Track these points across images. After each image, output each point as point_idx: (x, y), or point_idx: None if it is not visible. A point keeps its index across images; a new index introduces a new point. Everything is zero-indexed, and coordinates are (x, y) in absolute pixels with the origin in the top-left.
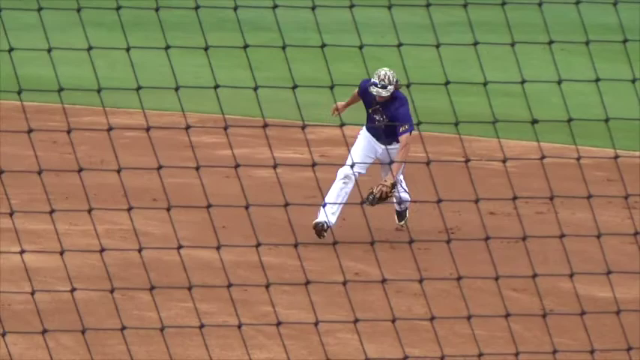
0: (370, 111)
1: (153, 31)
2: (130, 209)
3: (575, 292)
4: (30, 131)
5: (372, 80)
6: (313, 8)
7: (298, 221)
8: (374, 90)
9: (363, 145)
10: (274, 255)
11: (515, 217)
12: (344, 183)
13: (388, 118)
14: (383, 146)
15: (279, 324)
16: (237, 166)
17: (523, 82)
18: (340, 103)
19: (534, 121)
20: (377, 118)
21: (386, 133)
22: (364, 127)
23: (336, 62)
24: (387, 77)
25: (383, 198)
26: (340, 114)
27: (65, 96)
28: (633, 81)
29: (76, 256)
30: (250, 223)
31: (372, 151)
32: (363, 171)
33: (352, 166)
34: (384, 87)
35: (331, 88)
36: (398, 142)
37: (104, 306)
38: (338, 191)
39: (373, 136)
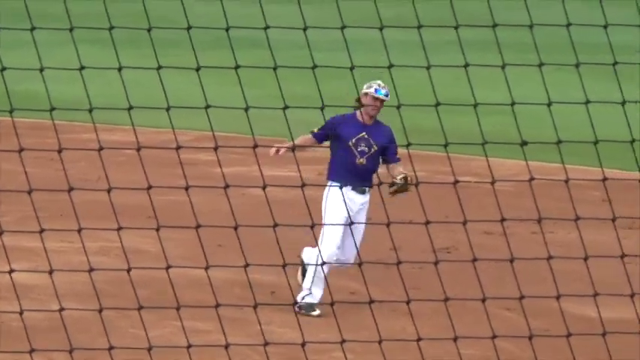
0: (353, 142)
1: (148, 48)
2: (119, 229)
3: (561, 312)
4: (21, 150)
5: (374, 87)
6: (305, 29)
7: (294, 240)
8: (379, 95)
9: (337, 215)
10: (272, 273)
11: (511, 236)
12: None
13: (377, 145)
14: (359, 196)
15: (266, 344)
16: (226, 186)
17: (513, 103)
18: (283, 146)
19: (524, 143)
20: (362, 149)
21: (368, 171)
22: (330, 188)
23: (334, 80)
24: (386, 86)
25: (403, 189)
26: (280, 154)
27: (62, 113)
28: (623, 103)
29: (71, 274)
30: (240, 243)
31: (346, 214)
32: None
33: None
34: (386, 95)
35: (322, 108)
36: (371, 186)
37: (98, 324)
38: (317, 275)
39: (350, 185)
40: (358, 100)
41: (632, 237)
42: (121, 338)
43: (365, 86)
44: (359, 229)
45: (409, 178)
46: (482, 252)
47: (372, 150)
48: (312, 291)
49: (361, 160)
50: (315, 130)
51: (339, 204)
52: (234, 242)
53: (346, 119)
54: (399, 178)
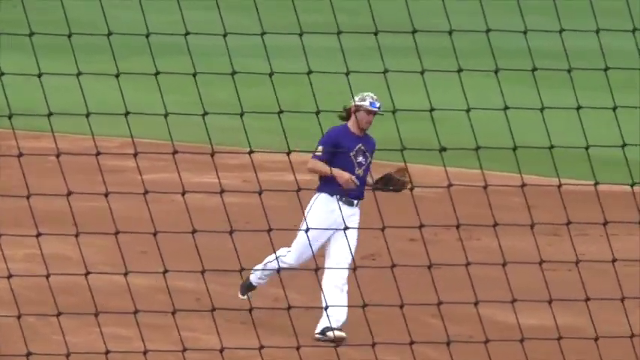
0: (354, 153)
1: (78, 54)
2: (38, 235)
3: (479, 319)
4: None
5: (369, 101)
6: (225, 35)
7: (216, 246)
8: (374, 108)
9: (319, 226)
10: (197, 280)
11: (435, 243)
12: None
13: (370, 156)
14: (348, 208)
15: (184, 350)
16: (145, 192)
17: (432, 109)
18: (348, 175)
19: (442, 149)
20: (360, 161)
21: (363, 182)
22: (318, 198)
23: (255, 86)
24: (378, 98)
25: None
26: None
27: None
28: (541, 109)
29: None
30: (160, 250)
31: (330, 224)
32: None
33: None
34: (379, 107)
35: (241, 115)
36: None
37: (24, 330)
38: (267, 273)
39: (342, 195)
40: (347, 111)
41: (556, 244)
42: (45, 344)
43: (357, 98)
44: (351, 237)
45: (407, 175)
46: (405, 258)
47: (368, 161)
48: (253, 278)
49: (359, 171)
50: (319, 152)
51: (324, 215)
52: (160, 248)
53: (342, 132)
54: (399, 176)
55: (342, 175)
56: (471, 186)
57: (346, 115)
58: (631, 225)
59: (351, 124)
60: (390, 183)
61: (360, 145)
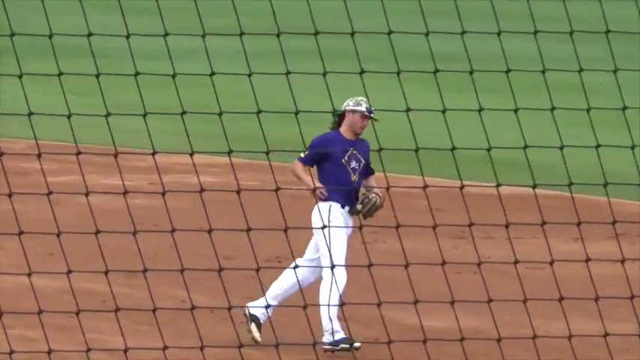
0: (345, 159)
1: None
2: None
3: (382, 319)
4: None
5: (364, 106)
6: (128, 37)
7: (125, 248)
8: (373, 114)
9: (342, 238)
10: (105, 282)
11: None
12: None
13: (364, 159)
14: (350, 219)
15: (88, 350)
16: (49, 193)
17: (334, 111)
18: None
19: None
20: (354, 166)
21: (359, 187)
22: (331, 205)
23: (167, 88)
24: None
25: (375, 208)
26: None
27: None
28: (443, 111)
29: None
30: (64, 251)
31: (346, 234)
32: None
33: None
34: (372, 112)
35: (144, 116)
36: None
37: None
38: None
39: (347, 204)
40: (339, 116)
41: (462, 246)
42: None
43: (352, 103)
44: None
45: (382, 198)
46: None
47: (361, 165)
48: (335, 327)
49: (355, 177)
50: (302, 155)
51: (342, 218)
52: (67, 250)
53: (331, 138)
54: (372, 197)
55: (309, 186)
56: (385, 187)
57: (339, 120)
58: (535, 227)
59: (344, 129)
60: (367, 206)
61: (352, 148)
